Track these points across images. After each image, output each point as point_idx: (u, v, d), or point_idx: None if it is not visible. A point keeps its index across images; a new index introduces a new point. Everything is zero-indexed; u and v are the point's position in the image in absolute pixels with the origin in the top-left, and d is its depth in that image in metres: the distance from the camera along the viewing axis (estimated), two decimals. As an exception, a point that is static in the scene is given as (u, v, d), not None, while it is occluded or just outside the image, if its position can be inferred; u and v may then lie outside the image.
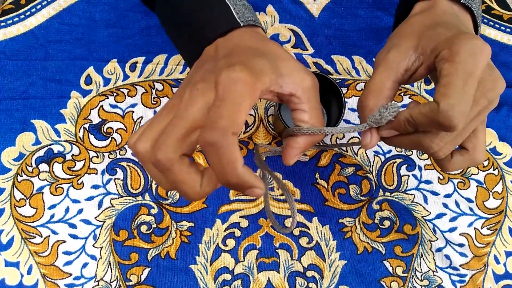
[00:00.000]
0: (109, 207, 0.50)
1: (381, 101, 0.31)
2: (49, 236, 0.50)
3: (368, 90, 0.32)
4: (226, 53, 0.30)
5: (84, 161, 0.51)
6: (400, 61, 0.31)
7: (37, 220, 0.50)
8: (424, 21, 0.33)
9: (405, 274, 0.50)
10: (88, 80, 0.53)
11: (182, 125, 0.26)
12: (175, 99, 0.28)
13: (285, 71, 0.29)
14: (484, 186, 0.53)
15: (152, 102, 0.53)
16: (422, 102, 0.54)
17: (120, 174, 0.51)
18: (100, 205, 0.50)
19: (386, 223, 0.52)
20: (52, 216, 0.50)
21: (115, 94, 0.53)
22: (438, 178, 0.53)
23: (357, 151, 0.53)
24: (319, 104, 0.31)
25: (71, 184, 0.51)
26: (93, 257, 0.49)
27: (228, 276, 0.50)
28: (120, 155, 0.52)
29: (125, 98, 0.53)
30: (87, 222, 0.50)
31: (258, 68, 0.28)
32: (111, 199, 0.51)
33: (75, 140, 0.52)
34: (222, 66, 0.28)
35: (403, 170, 0.53)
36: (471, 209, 0.52)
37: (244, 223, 0.51)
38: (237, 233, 0.51)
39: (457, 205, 0.52)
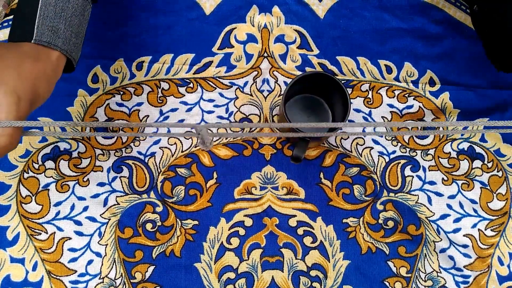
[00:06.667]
0: (114, 205, 0.51)
1: None
2: (55, 233, 0.50)
3: None
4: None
5: (90, 158, 0.52)
6: None
7: (43, 217, 0.50)
8: None
9: (409, 275, 0.51)
10: (95, 79, 0.54)
11: None
12: None
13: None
14: (488, 187, 0.53)
15: (158, 101, 0.53)
16: (427, 104, 0.54)
17: (125, 172, 0.51)
18: (105, 202, 0.51)
19: (390, 224, 0.52)
20: (57, 213, 0.50)
21: (121, 92, 0.53)
22: (442, 179, 0.53)
23: (362, 152, 0.53)
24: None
25: (76, 181, 0.51)
26: (98, 254, 0.50)
27: (232, 275, 0.50)
28: (126, 153, 0.52)
29: (131, 96, 0.53)
30: (92, 219, 0.50)
31: None
32: (117, 196, 0.51)
33: (81, 138, 0.52)
34: None
35: (407, 171, 0.53)
36: (475, 211, 0.52)
37: (249, 222, 0.51)
38: (242, 231, 0.51)
39: (461, 206, 0.52)
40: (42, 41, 0.38)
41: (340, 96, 0.47)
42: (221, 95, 0.54)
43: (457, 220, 0.52)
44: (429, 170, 0.53)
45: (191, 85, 0.54)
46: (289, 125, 0.33)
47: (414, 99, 0.55)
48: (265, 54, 0.55)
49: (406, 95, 0.55)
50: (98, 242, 0.50)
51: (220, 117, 0.54)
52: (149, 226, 0.50)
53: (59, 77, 0.41)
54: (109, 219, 0.50)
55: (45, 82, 0.39)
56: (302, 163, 0.53)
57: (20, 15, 0.40)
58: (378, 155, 0.53)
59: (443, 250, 0.51)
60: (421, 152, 0.54)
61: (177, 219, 0.51)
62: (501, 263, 0.51)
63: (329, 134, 0.35)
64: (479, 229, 0.52)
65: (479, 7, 0.47)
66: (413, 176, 0.53)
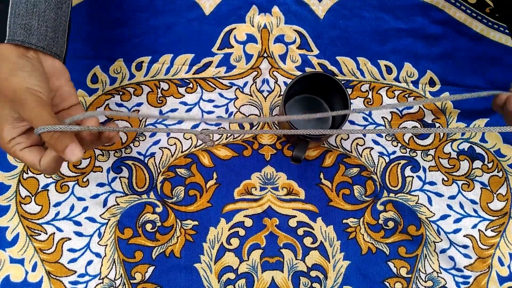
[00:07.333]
0: (114, 205, 0.51)
1: None
2: (54, 233, 0.50)
3: None
4: None
5: (89, 159, 0.52)
6: None
7: (42, 218, 0.50)
8: None
9: (409, 275, 0.50)
10: (94, 79, 0.54)
11: None
12: None
13: (21, 108, 0.35)
14: (489, 188, 0.53)
15: (158, 101, 0.53)
16: (427, 104, 0.54)
17: (125, 172, 0.51)
18: (105, 203, 0.51)
19: (390, 224, 0.52)
20: (57, 214, 0.50)
21: (121, 93, 0.53)
22: (443, 179, 0.53)
23: (362, 152, 0.53)
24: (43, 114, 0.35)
25: (76, 182, 0.51)
26: (97, 255, 0.50)
27: (232, 275, 0.50)
28: (126, 153, 0.52)
29: (131, 97, 0.53)
30: (92, 219, 0.50)
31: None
32: (116, 197, 0.51)
33: (81, 138, 0.52)
34: None
35: (408, 171, 0.53)
36: (475, 211, 0.52)
37: (249, 223, 0.51)
38: (241, 232, 0.51)
39: (461, 206, 0.52)
40: (15, 40, 0.38)
41: (340, 96, 0.47)
42: (221, 95, 0.54)
43: (457, 221, 0.52)
44: (429, 171, 0.53)
45: (190, 85, 0.54)
46: (286, 118, 0.32)
47: (414, 99, 0.55)
48: (265, 55, 0.55)
49: (406, 96, 0.55)
50: (97, 243, 0.50)
51: (220, 118, 0.53)
52: (149, 227, 0.50)
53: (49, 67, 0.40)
54: (109, 220, 0.50)
55: (38, 83, 0.37)
56: (302, 164, 0.53)
57: None
58: (378, 156, 0.53)
59: (443, 251, 0.51)
60: (421, 153, 0.53)
61: (177, 220, 0.51)
62: (502, 264, 0.51)
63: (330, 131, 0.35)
64: (479, 230, 0.52)
65: None
66: (413, 177, 0.53)
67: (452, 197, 0.53)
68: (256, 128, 0.53)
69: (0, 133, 0.36)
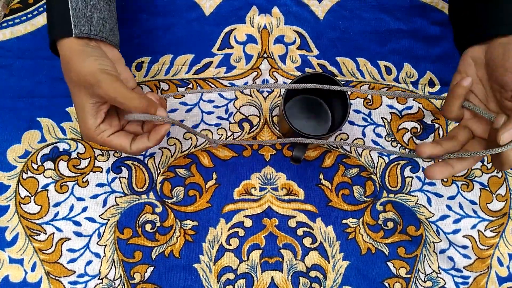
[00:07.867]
0: (113, 205, 0.51)
1: None
2: (54, 233, 0.50)
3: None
4: (64, 67, 0.40)
5: (89, 159, 0.52)
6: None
7: (42, 218, 0.50)
8: None
9: (409, 276, 0.50)
10: (95, 79, 0.53)
11: None
12: None
13: (99, 89, 0.38)
14: (488, 188, 0.53)
15: (158, 101, 0.53)
16: (426, 105, 0.54)
17: (125, 173, 0.51)
18: (104, 203, 0.51)
19: (390, 224, 0.52)
20: (56, 214, 0.50)
21: (121, 93, 0.53)
22: (442, 180, 0.53)
23: (361, 152, 0.53)
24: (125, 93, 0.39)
25: (76, 182, 0.51)
26: (97, 255, 0.50)
27: (231, 276, 0.50)
28: (125, 153, 0.52)
29: (131, 97, 0.53)
30: (91, 220, 0.50)
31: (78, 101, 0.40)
32: (116, 197, 0.51)
33: (80, 138, 0.52)
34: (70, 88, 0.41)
35: (407, 172, 0.53)
36: (474, 211, 0.52)
37: (248, 223, 0.51)
38: (241, 232, 0.51)
39: (461, 207, 0.52)
40: (81, 33, 0.40)
41: (340, 97, 0.47)
42: (221, 95, 0.54)
43: (456, 221, 0.52)
44: (428, 171, 0.53)
45: (190, 85, 0.54)
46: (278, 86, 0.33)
47: (413, 100, 0.55)
48: (265, 55, 0.55)
49: (406, 96, 0.55)
50: (97, 243, 0.50)
51: (220, 118, 0.53)
52: (148, 227, 0.50)
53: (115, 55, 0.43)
54: (108, 220, 0.50)
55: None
56: (302, 164, 0.53)
57: (53, 12, 0.41)
58: (378, 156, 0.53)
59: (442, 251, 0.51)
60: (421, 153, 0.53)
61: (177, 220, 0.51)
62: (501, 264, 0.51)
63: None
64: (478, 230, 0.52)
65: None
66: (412, 177, 0.53)
67: (452, 198, 0.53)
68: (256, 128, 0.53)
69: (85, 124, 0.40)
